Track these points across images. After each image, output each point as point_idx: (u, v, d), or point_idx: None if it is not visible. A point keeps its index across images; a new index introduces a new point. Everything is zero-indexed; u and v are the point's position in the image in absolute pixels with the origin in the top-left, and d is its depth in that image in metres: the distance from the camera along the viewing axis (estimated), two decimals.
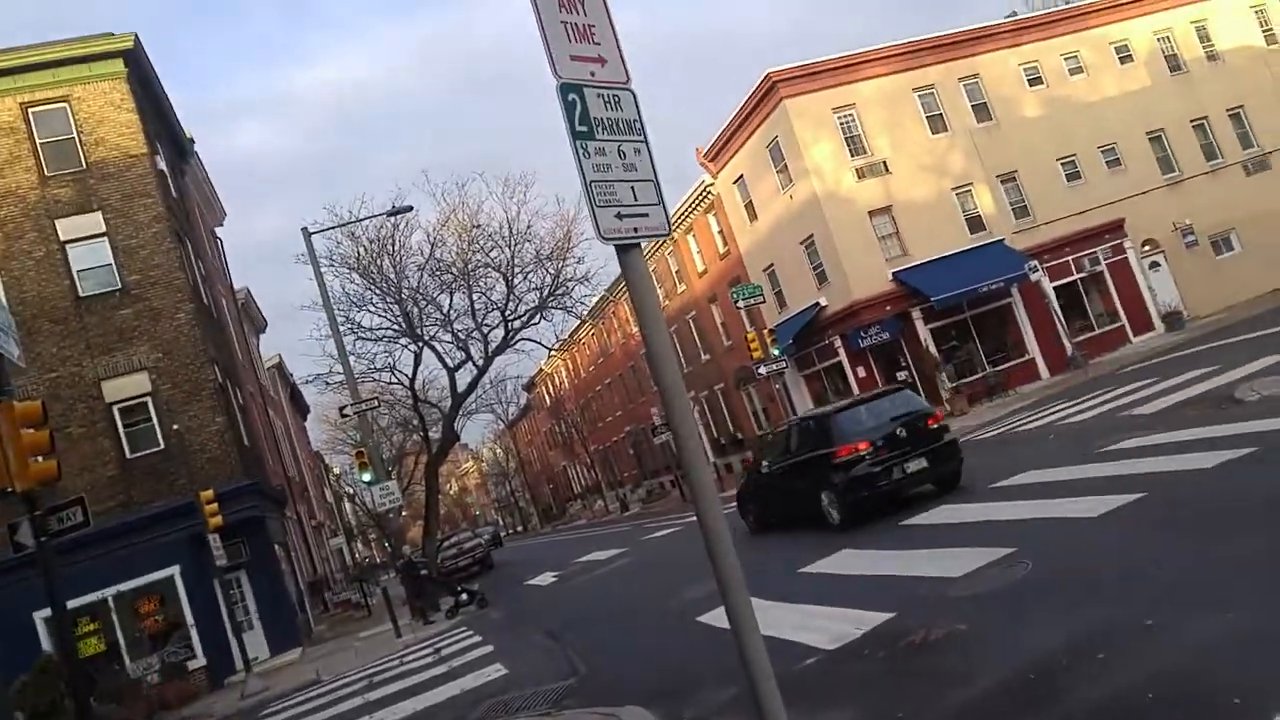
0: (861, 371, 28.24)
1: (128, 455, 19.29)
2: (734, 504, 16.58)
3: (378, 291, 26.68)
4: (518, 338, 28.97)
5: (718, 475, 35.33)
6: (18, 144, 20.16)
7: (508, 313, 28.26)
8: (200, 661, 18.61)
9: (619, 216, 3.11)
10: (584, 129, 3.11)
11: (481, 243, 27.82)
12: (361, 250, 26.41)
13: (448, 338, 28.09)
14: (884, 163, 28.33)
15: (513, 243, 27.88)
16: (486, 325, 28.28)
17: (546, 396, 66.70)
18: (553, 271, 28.67)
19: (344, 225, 25.29)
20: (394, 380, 29.24)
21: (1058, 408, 18.48)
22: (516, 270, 28.09)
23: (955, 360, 27.96)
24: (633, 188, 3.19)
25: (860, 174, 28.12)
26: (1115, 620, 5.16)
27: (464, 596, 18.81)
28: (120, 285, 20.10)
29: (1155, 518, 7.15)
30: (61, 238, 19.96)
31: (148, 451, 19.43)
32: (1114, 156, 30.58)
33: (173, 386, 19.89)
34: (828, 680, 5.89)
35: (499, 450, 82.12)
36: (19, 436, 7.92)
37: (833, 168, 27.95)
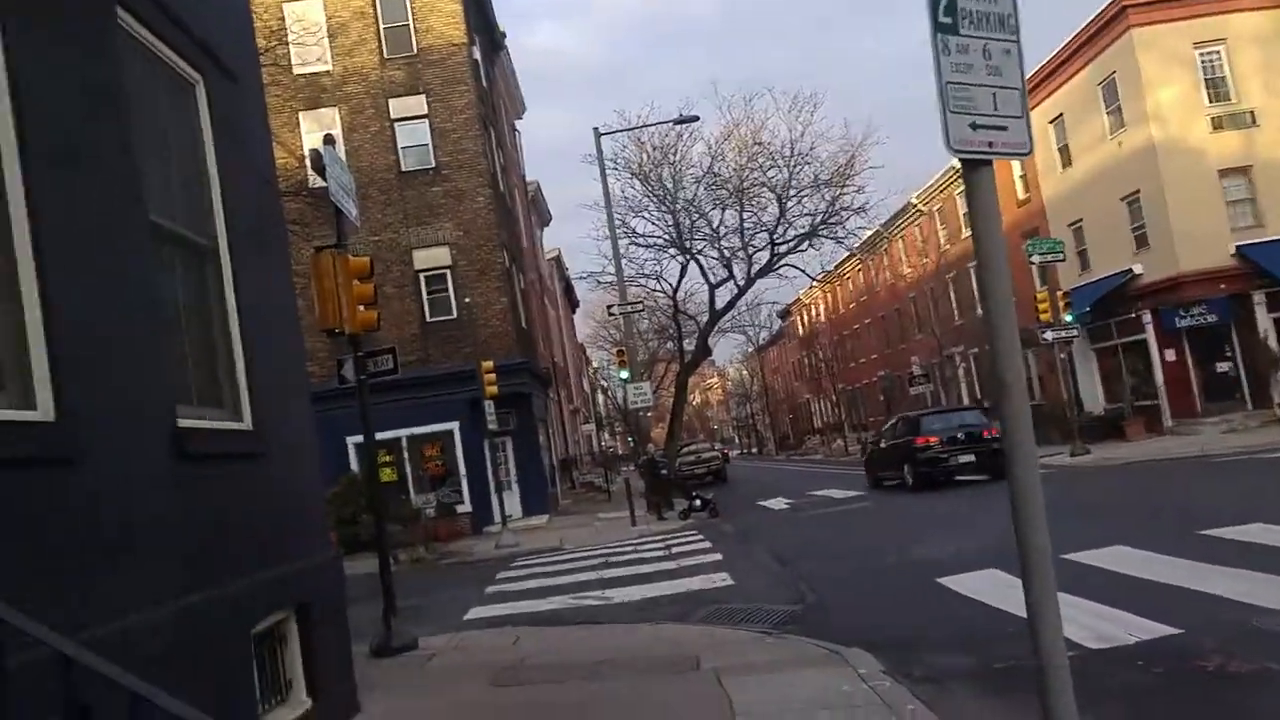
0: (1171, 355, 24.49)
1: (427, 319, 21.70)
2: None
3: (654, 199, 27.39)
4: (782, 262, 28.71)
5: None
6: (365, 28, 22.54)
7: (776, 236, 28.00)
8: (466, 508, 21.13)
9: (973, 127, 2.80)
10: (948, 20, 2.80)
11: (760, 161, 27.54)
12: (644, 157, 27.09)
13: (714, 253, 28.43)
14: (1251, 113, 23.73)
15: (792, 164, 27.36)
16: (753, 246, 28.25)
17: (801, 326, 65.91)
18: (829, 198, 27.88)
19: (631, 129, 26.00)
20: (658, 288, 30.19)
21: None
22: (791, 193, 27.62)
23: None
24: (994, 95, 2.85)
25: (1216, 123, 23.79)
26: None
27: (698, 502, 19.46)
28: (434, 164, 22.21)
29: None
30: (392, 116, 22.28)
31: (443, 318, 21.73)
32: None
33: (468, 263, 21.89)
34: (1086, 682, 5.36)
35: (745, 371, 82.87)
36: (351, 286, 9.03)
37: (1181, 114, 23.80)
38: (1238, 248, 23.34)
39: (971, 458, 18.61)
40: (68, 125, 3.68)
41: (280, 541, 5.31)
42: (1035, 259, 23.21)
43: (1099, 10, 25.22)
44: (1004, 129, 2.91)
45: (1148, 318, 25.16)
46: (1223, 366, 24.18)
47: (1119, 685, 5.09)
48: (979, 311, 35.89)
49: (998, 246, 3.01)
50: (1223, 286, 23.50)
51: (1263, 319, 23.45)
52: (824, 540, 13.86)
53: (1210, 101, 24.01)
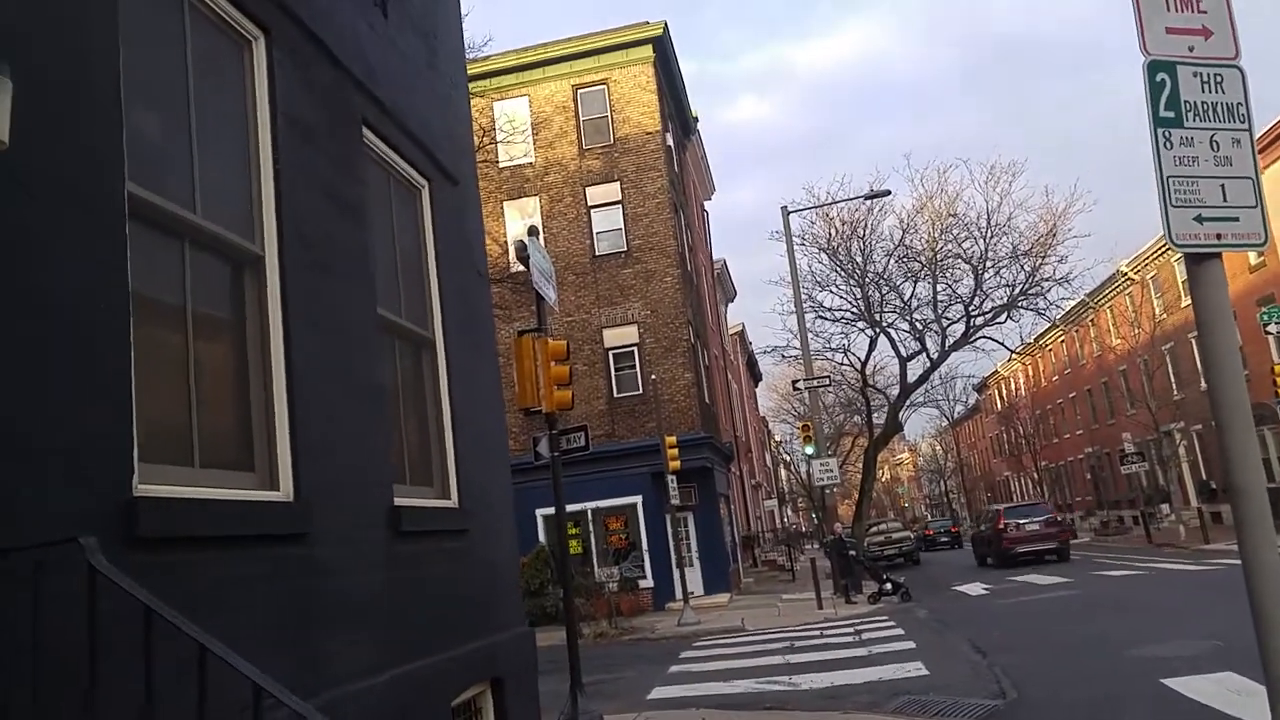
0: None
1: (615, 395, 22.34)
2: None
3: (842, 273, 27.09)
4: (978, 335, 27.43)
5: (1200, 523, 29.82)
6: (566, 121, 24.06)
7: (971, 307, 26.85)
8: (649, 583, 21.19)
9: (1199, 220, 2.65)
10: (1170, 114, 2.70)
11: (955, 232, 26.68)
12: (833, 231, 26.95)
13: (904, 326, 27.62)
14: None
15: (988, 235, 26.30)
16: (947, 318, 27.22)
17: (998, 400, 62.18)
18: (1028, 269, 26.49)
19: (820, 206, 25.99)
20: (845, 362, 29.59)
21: None
22: (988, 264, 26.48)
23: None
24: (1222, 185, 2.69)
25: None
26: None
27: (888, 585, 18.57)
28: (626, 248, 23.12)
29: None
30: (589, 203, 23.50)
31: (629, 394, 22.29)
32: None
33: (655, 341, 22.44)
34: None
35: (938, 447, 78.89)
36: (549, 367, 9.49)
37: None
38: None
39: (1043, 545, 24.48)
40: (319, 230, 4.18)
41: (480, 615, 5.54)
42: (1272, 328, 21.06)
43: None
44: (1235, 219, 2.71)
45: None
46: None
47: None
48: (1203, 385, 32.43)
49: (1229, 345, 2.78)
50: None
51: None
52: (1026, 630, 12.77)
53: None
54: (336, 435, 4.09)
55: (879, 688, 9.25)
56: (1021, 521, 24.94)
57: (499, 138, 21.32)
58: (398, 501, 4.58)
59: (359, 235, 4.59)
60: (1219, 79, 2.81)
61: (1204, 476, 34.68)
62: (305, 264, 3.96)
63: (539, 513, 20.44)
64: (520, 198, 23.86)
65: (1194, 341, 32.87)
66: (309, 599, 3.66)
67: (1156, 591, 15.67)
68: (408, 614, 4.48)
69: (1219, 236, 2.71)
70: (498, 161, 22.27)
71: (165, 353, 3.21)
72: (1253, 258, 28.65)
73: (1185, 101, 2.73)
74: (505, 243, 21.76)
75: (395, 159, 5.30)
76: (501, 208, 23.41)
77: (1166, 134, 2.69)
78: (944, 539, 45.66)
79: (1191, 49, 2.79)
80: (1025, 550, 24.39)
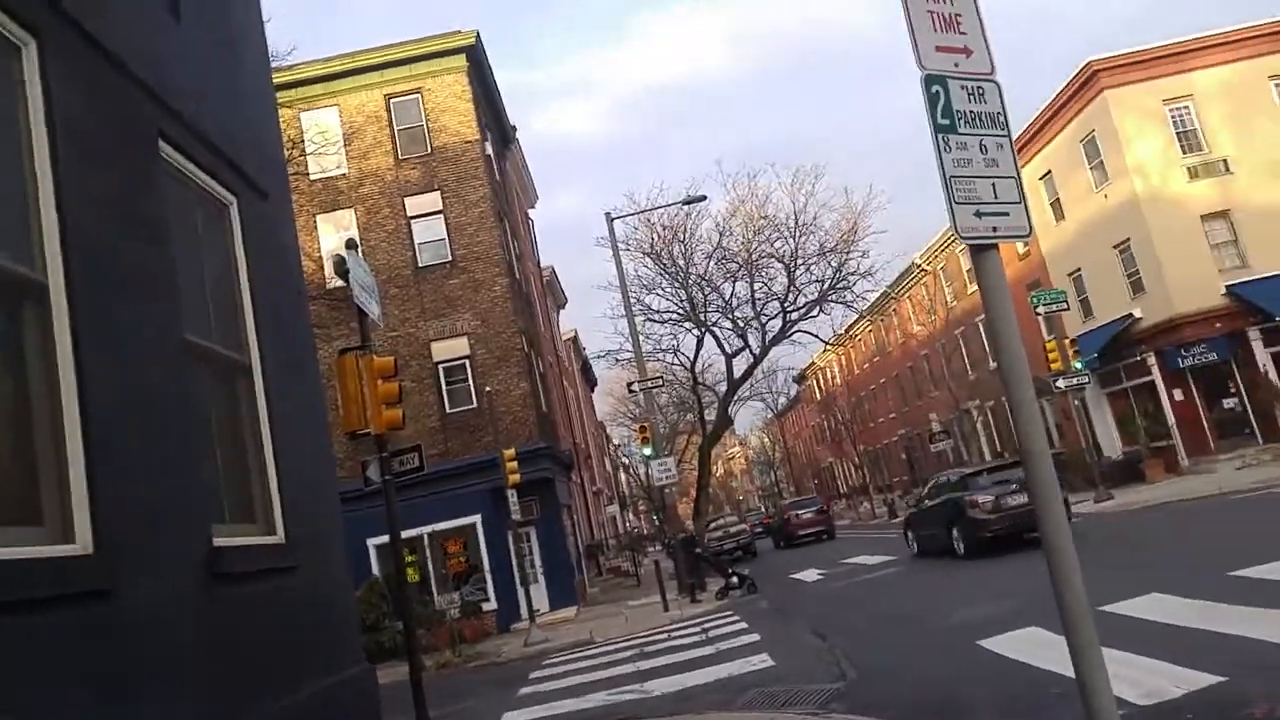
0: (1179, 394, 25.13)
1: (447, 410, 21.83)
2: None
3: (667, 276, 27.81)
4: (795, 329, 28.92)
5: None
6: (380, 130, 23.35)
7: (787, 304, 28.28)
8: (492, 605, 20.73)
9: (978, 215, 2.98)
10: (946, 122, 3.01)
11: (767, 233, 28.02)
12: (655, 236, 27.63)
13: (728, 324, 28.70)
14: (1224, 161, 25.02)
15: (797, 234, 27.82)
16: (765, 315, 28.51)
17: (817, 390, 65.83)
18: (835, 264, 28.24)
19: (641, 212, 26.59)
20: (676, 362, 30.39)
21: None
22: (799, 262, 28.00)
23: None
24: (994, 184, 3.04)
25: (1193, 173, 25.06)
26: None
27: (734, 580, 18.94)
28: (450, 258, 22.70)
29: None
30: (408, 214, 22.90)
31: (463, 409, 21.85)
32: None
33: (486, 352, 22.15)
34: None
35: (766, 439, 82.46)
36: (376, 386, 9.17)
37: (1159, 166, 25.14)
38: (1227, 287, 24.11)
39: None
40: (112, 253, 3.83)
41: (315, 656, 5.26)
42: (1040, 310, 23.65)
43: (1073, 74, 26.49)
44: (1005, 214, 3.06)
45: (1152, 360, 25.65)
46: (1229, 403, 24.57)
47: None
48: (992, 365, 35.99)
49: (1011, 325, 3.12)
50: (1218, 325, 24.16)
51: (1261, 355, 23.94)
52: (860, 611, 13.60)
53: (1184, 152, 25.20)
54: (142, 477, 3.77)
55: (729, 684, 9.49)
56: (801, 512, 34.27)
57: (309, 149, 20.36)
58: (216, 542, 4.27)
59: (159, 256, 4.26)
60: (981, 91, 3.18)
61: (998, 448, 38.21)
62: (97, 290, 3.63)
63: (371, 542, 19.63)
64: (334, 210, 22.92)
65: (981, 325, 36.30)
66: (117, 662, 3.34)
67: (969, 563, 17.00)
68: (233, 665, 4.18)
69: (994, 229, 3.07)
70: (309, 174, 21.27)
71: None
72: (1020, 247, 32.00)
73: (957, 110, 3.07)
74: (320, 258, 20.82)
75: (197, 173, 4.96)
76: (315, 221, 22.38)
77: (945, 139, 3.01)
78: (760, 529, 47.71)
79: (957, 65, 3.14)
80: (804, 533, 32.50)
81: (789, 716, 7.57)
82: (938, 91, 3.04)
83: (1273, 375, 23.84)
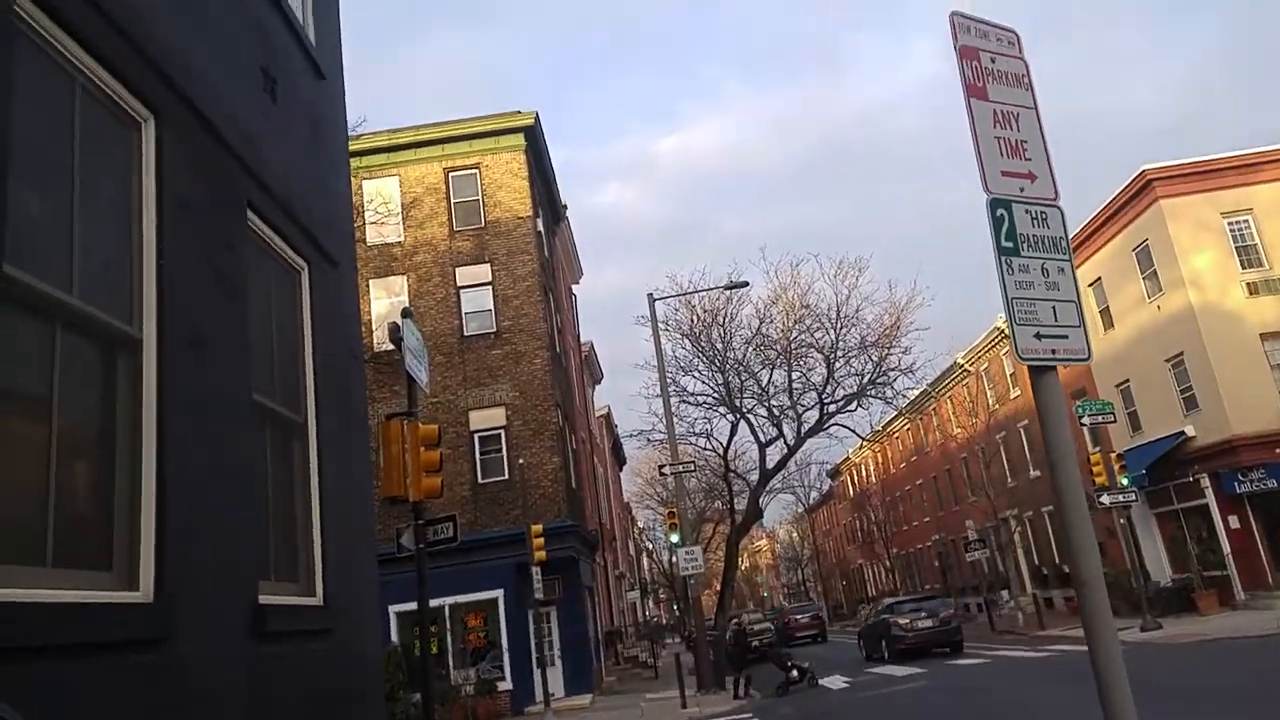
0: (1235, 522, 23.96)
1: (479, 480, 21.91)
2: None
3: (704, 359, 27.89)
4: (831, 421, 28.67)
5: (1035, 608, 31.77)
6: (437, 202, 24.16)
7: (824, 395, 28.11)
8: (508, 684, 20.30)
9: (1038, 337, 3.07)
10: (1009, 245, 3.12)
11: (808, 323, 28.10)
12: (695, 318, 27.83)
13: (763, 412, 28.54)
14: None
15: (838, 326, 27.85)
16: (802, 405, 28.33)
17: (850, 487, 64.78)
18: (875, 359, 28.13)
19: (683, 295, 26.88)
20: (708, 446, 30.20)
21: None
22: (839, 354, 27.96)
23: None
24: (1054, 307, 3.14)
25: (1252, 289, 24.53)
26: None
27: (794, 674, 18.32)
28: (495, 329, 23.12)
29: None
30: (458, 283, 23.47)
31: (494, 479, 21.92)
32: None
33: (523, 424, 22.31)
34: None
35: (795, 534, 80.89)
36: (419, 452, 9.30)
37: (1216, 279, 24.67)
38: None
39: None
40: (200, 313, 4.05)
41: (344, 718, 5.28)
42: (1085, 420, 23.13)
43: (1126, 183, 26.38)
44: (1065, 337, 3.13)
45: (1205, 481, 24.74)
46: None
47: None
48: (1033, 474, 35.23)
49: (1068, 447, 3.15)
50: (1279, 451, 23.18)
51: None
52: None
53: (1244, 267, 24.81)
54: (204, 530, 3.88)
55: None
56: (798, 616, 41.26)
57: (370, 217, 21.10)
58: (262, 600, 4.35)
59: (238, 317, 4.48)
60: (1044, 216, 3.28)
61: (1035, 562, 37.06)
62: (184, 347, 3.83)
63: (393, 609, 19.43)
64: (387, 275, 23.58)
65: (1023, 430, 35.68)
66: (165, 710, 3.41)
67: (1002, 679, 16.47)
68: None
69: (1054, 351, 3.14)
70: (366, 240, 21.99)
71: (24, 441, 3.02)
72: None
73: (1020, 234, 3.17)
74: (370, 322, 21.31)
75: (277, 241, 5.23)
76: (368, 285, 23.02)
77: (1008, 261, 3.11)
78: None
79: (1022, 190, 3.26)
80: (800, 634, 37.88)
81: None
82: (1002, 215, 3.16)
83: None
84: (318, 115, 6.41)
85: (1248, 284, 24.58)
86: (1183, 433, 25.33)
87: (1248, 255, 24.88)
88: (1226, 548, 24.13)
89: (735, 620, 21.43)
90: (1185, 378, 25.46)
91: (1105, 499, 22.11)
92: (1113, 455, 23.98)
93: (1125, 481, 22.84)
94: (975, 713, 12.60)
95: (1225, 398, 23.72)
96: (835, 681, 19.02)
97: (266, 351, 5.11)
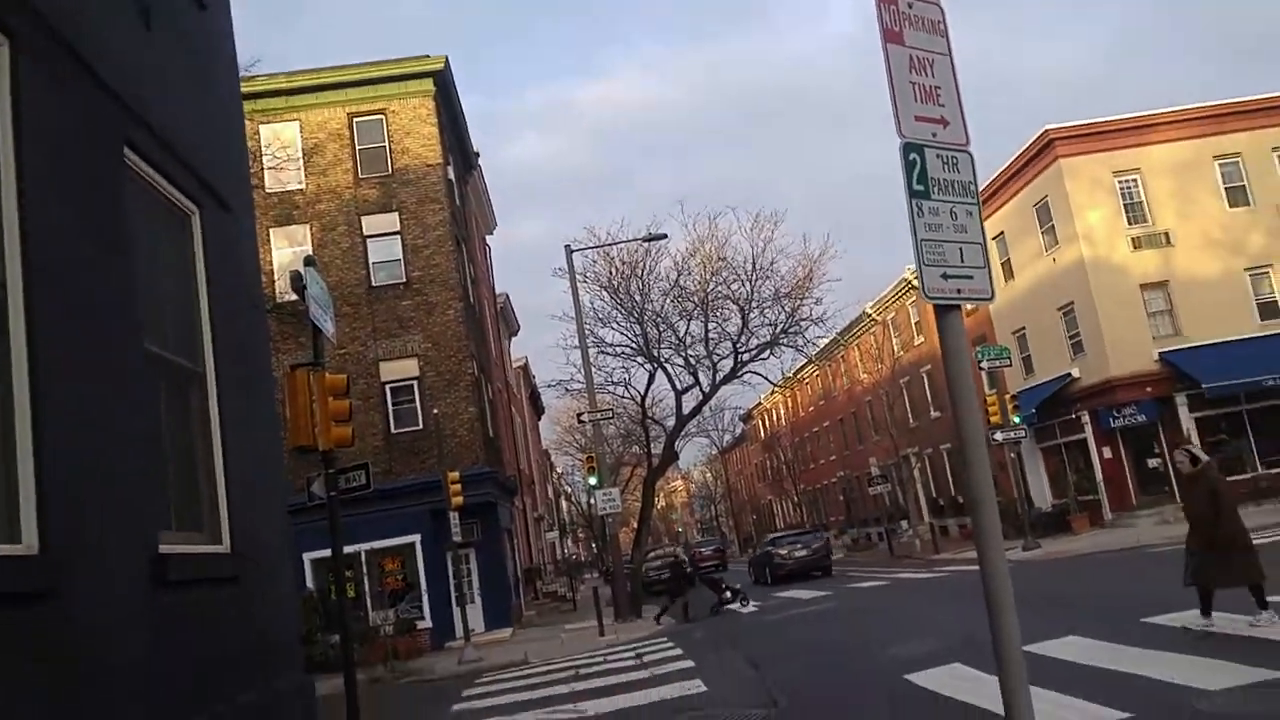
0: (1108, 452, 26.28)
1: (392, 430, 21.56)
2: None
3: (622, 311, 27.82)
4: (745, 369, 29.12)
5: (932, 536, 33.55)
6: (341, 149, 23.20)
7: (739, 345, 28.49)
8: (427, 623, 20.47)
9: (944, 277, 3.15)
10: (920, 188, 3.17)
11: (724, 275, 28.30)
12: (613, 271, 27.67)
13: (680, 361, 28.71)
14: (1166, 234, 26.23)
15: (754, 278, 28.13)
16: (717, 354, 28.61)
17: (762, 430, 66.47)
18: (789, 309, 28.60)
19: (601, 246, 26.66)
20: (625, 395, 30.36)
21: None
22: (754, 305, 28.30)
23: (1220, 454, 24.96)
24: (960, 249, 3.22)
25: (1136, 243, 26.21)
26: None
27: (728, 594, 20.22)
28: (405, 279, 22.53)
29: None
30: (365, 233, 22.72)
31: (409, 429, 21.60)
32: None
33: (436, 374, 21.96)
34: None
35: (709, 474, 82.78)
36: (326, 402, 9.07)
37: (1105, 234, 26.23)
38: (1160, 354, 25.25)
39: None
40: (74, 257, 3.80)
41: (256, 665, 5.21)
42: (984, 365, 24.35)
43: (1029, 142, 27.54)
44: (970, 277, 3.23)
45: (1086, 418, 26.64)
46: (1152, 463, 25.67)
47: None
48: (934, 414, 36.85)
49: (969, 381, 3.26)
50: (1149, 389, 25.24)
51: (1185, 419, 25.08)
52: (793, 642, 13.76)
53: (1130, 223, 26.33)
54: (93, 480, 3.71)
55: (662, 707, 9.57)
56: (703, 549, 42.32)
57: (268, 162, 20.12)
58: (163, 549, 4.21)
59: (121, 262, 4.22)
60: (955, 160, 3.35)
61: (934, 495, 38.98)
62: (57, 292, 3.58)
63: (307, 557, 19.22)
64: (289, 224, 22.63)
65: (926, 376, 37.18)
66: (61, 666, 3.28)
67: (899, 598, 17.62)
68: (176, 671, 4.14)
69: (959, 291, 3.24)
70: (265, 187, 21.01)
71: None
72: (968, 305, 33.03)
73: (932, 178, 3.24)
74: (272, 271, 20.49)
75: (162, 182, 4.93)
76: (268, 234, 22.05)
77: (919, 204, 3.17)
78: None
79: (934, 135, 3.32)
80: (705, 564, 37.41)
81: None
82: (914, 159, 3.21)
83: (1195, 438, 24.87)
84: (201, 48, 6.02)
85: (1133, 239, 26.20)
86: (1069, 375, 27.08)
87: (1134, 212, 26.44)
88: (1100, 475, 26.33)
89: (673, 554, 22.64)
90: (1074, 324, 27.15)
91: (999, 436, 23.48)
92: (1007, 397, 25.41)
93: (1017, 420, 24.28)
94: (873, 626, 13.35)
95: (1107, 343, 25.48)
96: (747, 606, 20.23)
97: (157, 298, 4.87)
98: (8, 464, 3.27)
